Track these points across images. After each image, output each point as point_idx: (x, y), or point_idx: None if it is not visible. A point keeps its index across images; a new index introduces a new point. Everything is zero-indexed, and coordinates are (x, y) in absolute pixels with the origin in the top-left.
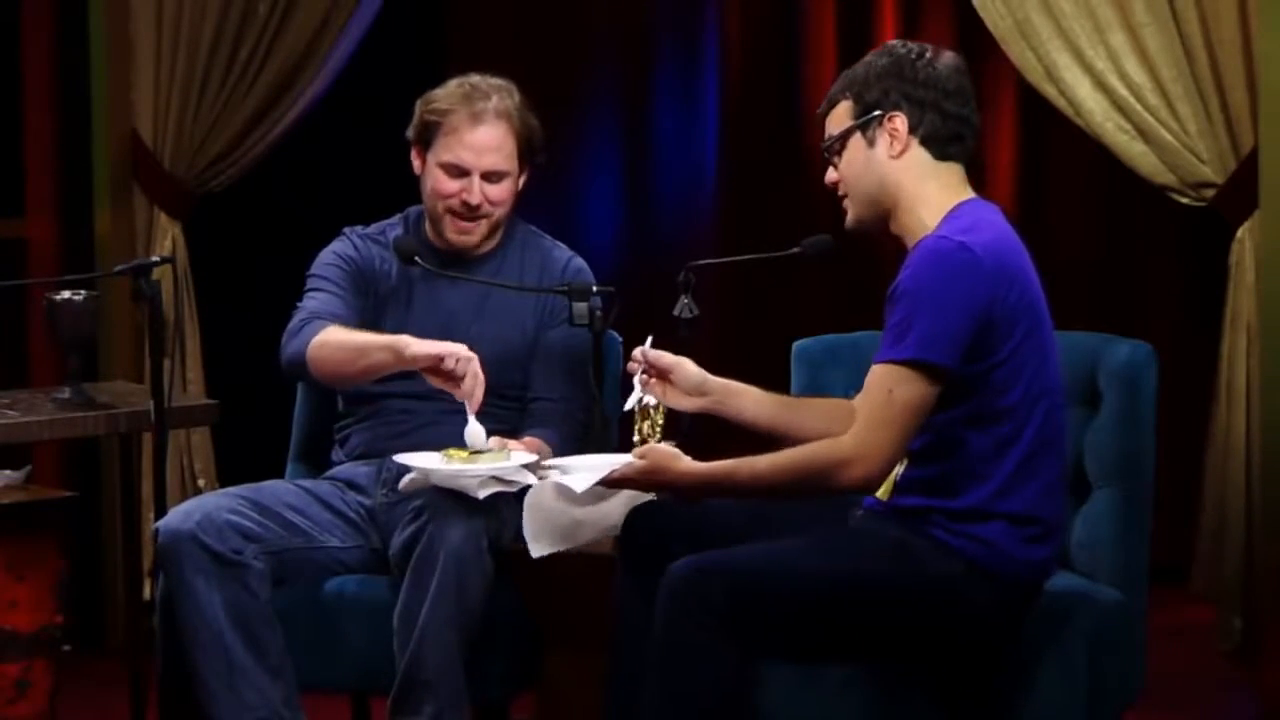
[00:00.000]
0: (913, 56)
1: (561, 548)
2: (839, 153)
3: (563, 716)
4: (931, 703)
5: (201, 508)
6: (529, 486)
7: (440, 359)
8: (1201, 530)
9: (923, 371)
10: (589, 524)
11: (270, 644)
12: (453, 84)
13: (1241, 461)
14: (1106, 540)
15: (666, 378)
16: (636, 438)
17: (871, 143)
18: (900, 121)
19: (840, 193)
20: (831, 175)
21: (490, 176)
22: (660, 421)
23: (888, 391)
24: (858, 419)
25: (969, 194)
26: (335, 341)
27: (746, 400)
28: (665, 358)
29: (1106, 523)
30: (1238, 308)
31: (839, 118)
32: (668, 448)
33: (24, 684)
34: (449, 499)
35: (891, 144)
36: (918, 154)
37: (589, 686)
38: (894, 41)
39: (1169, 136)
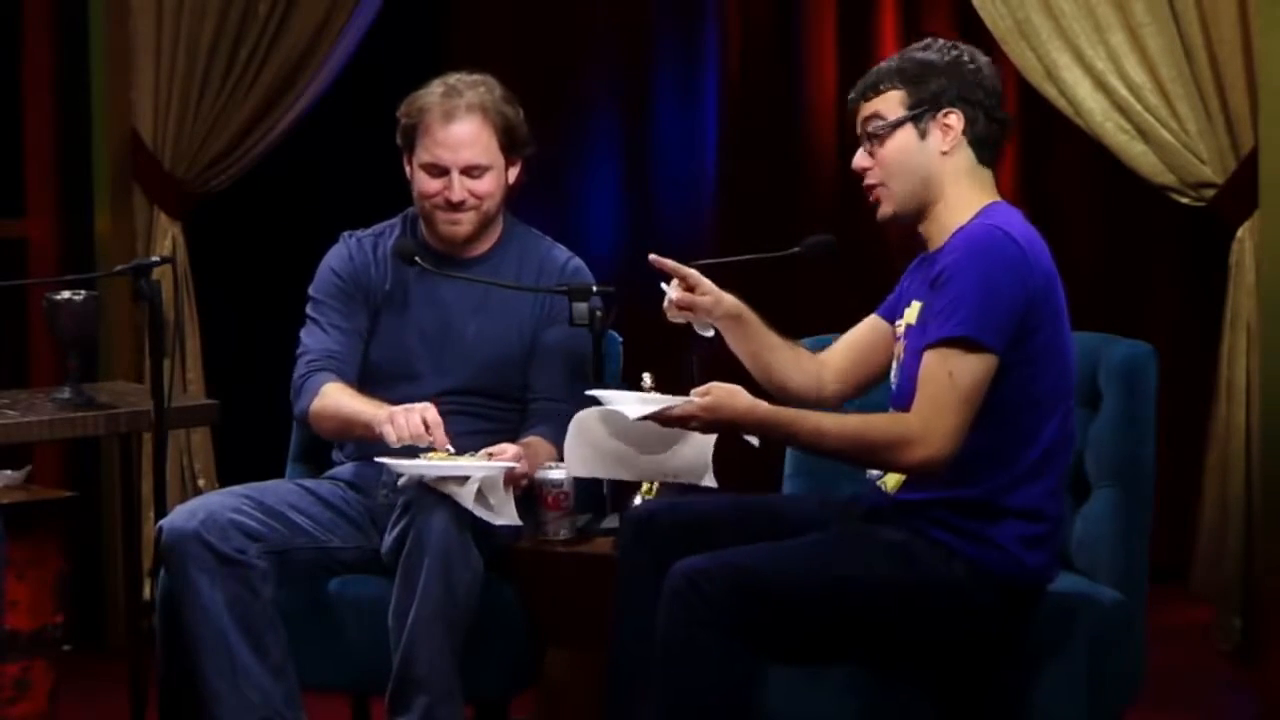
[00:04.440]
0: (965, 58)
1: (601, 475)
2: (884, 140)
3: (563, 716)
4: (932, 703)
5: (205, 507)
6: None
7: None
8: (1201, 530)
9: (976, 350)
10: (637, 464)
11: (273, 643)
12: (433, 84)
13: (1241, 462)
14: (1106, 540)
15: (693, 289)
16: None
17: (924, 135)
18: (956, 119)
19: (870, 180)
20: (864, 160)
21: (470, 171)
22: None
23: (948, 374)
24: (919, 401)
25: (998, 198)
26: (329, 412)
27: (750, 327)
28: (683, 269)
29: (1106, 523)
30: (1238, 308)
31: (890, 105)
32: (730, 385)
33: (24, 684)
34: (432, 495)
35: (944, 139)
36: (964, 153)
37: (589, 686)
38: (937, 39)
39: (1169, 136)
